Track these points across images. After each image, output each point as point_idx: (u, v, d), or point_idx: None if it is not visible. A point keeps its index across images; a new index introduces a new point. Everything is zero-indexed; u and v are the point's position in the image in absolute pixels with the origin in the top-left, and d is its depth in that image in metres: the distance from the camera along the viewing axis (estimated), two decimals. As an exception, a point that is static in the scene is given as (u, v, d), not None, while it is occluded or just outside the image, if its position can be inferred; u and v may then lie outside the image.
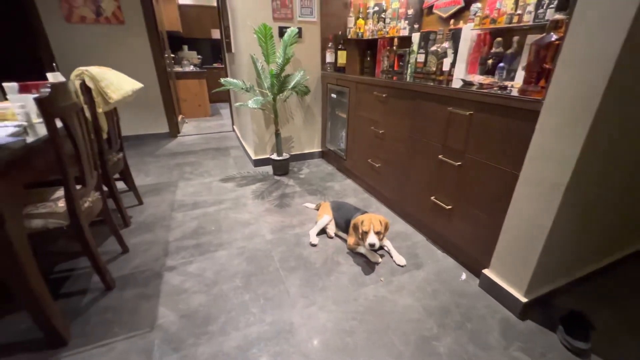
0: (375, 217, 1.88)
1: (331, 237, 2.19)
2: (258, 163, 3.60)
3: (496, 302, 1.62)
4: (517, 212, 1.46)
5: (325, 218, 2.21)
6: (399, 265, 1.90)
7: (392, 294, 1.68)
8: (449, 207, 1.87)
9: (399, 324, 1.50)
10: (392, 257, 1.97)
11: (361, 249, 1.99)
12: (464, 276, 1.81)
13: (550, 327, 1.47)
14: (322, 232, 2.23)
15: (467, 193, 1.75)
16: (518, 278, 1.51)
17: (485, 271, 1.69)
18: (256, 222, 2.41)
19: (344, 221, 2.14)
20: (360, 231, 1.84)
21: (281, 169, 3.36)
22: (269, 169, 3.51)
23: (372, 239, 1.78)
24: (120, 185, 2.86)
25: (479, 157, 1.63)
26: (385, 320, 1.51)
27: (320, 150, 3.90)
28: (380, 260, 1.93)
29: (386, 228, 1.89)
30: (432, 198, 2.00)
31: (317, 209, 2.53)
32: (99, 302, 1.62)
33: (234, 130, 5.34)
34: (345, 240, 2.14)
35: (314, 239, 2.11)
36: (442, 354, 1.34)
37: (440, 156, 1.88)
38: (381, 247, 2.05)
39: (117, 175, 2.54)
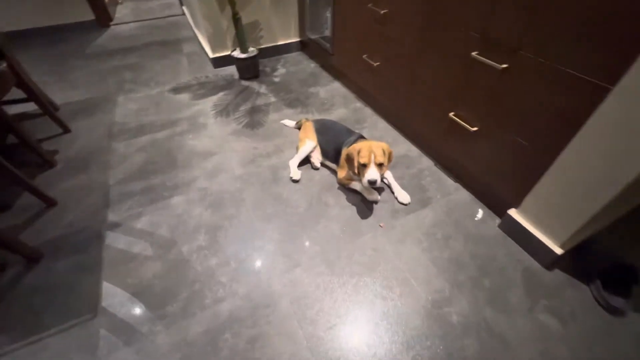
0: (375, 144, 1.38)
1: (316, 168, 1.73)
2: (218, 63, 2.77)
3: (519, 249, 1.33)
4: (589, 148, 0.99)
5: (308, 144, 1.70)
6: (402, 203, 1.54)
7: (395, 244, 1.37)
8: (475, 128, 1.37)
9: (404, 287, 1.22)
10: (393, 192, 1.58)
11: (355, 185, 1.58)
12: (480, 214, 1.48)
13: (582, 278, 1.23)
14: (305, 161, 1.76)
15: (506, 112, 1.22)
16: (559, 228, 1.17)
17: (512, 212, 1.34)
18: (220, 150, 1.89)
19: (333, 148, 1.64)
20: (357, 163, 1.38)
21: (249, 70, 2.59)
22: (233, 70, 2.72)
23: (372, 173, 1.33)
24: (30, 107, 2.15)
25: (544, 57, 1.03)
26: (388, 284, 1.23)
27: (298, 40, 3.00)
28: (379, 198, 1.55)
29: (389, 158, 1.43)
30: (451, 114, 1.47)
31: (298, 128, 1.98)
32: (23, 281, 1.26)
33: (184, 13, 4.09)
34: (334, 172, 1.70)
35: (295, 173, 1.66)
36: (455, 323, 1.11)
37: (474, 53, 1.25)
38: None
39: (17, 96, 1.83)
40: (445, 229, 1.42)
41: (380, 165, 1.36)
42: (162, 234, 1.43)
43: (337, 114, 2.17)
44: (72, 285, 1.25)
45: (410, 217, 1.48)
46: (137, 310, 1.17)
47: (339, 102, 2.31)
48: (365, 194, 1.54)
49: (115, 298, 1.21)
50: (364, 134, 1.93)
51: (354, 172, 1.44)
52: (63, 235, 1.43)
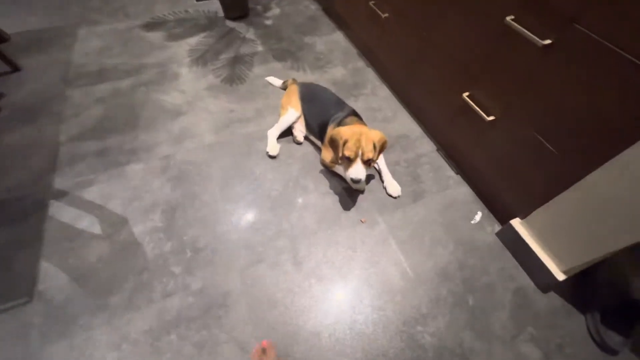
0: (365, 134, 1.13)
1: (299, 143, 1.49)
2: (201, -6, 2.31)
3: (514, 264, 1.17)
4: (638, 173, 0.75)
5: (291, 114, 1.44)
6: (390, 195, 1.33)
7: (375, 245, 1.20)
8: (491, 117, 1.10)
9: (377, 298, 1.08)
10: (382, 181, 1.36)
11: (339, 169, 1.35)
12: (478, 217, 1.29)
13: (580, 306, 1.08)
14: (288, 132, 1.51)
15: (537, 104, 0.94)
16: (568, 254, 0.99)
17: (515, 222, 1.14)
18: (191, 110, 1.62)
19: (318, 123, 1.38)
20: (340, 153, 1.14)
21: (236, 7, 2.16)
22: (218, 6, 2.28)
23: (357, 171, 1.12)
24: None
25: (609, 39, 0.73)
26: (359, 293, 1.09)
27: (299, -29, 2.48)
28: (365, 187, 1.34)
29: (382, 148, 1.19)
30: (465, 95, 1.18)
31: (285, 89, 1.69)
32: (-48, 253, 1.13)
33: None
34: (319, 149, 1.46)
35: (273, 148, 1.42)
36: (427, 346, 1.00)
37: (509, 18, 0.92)
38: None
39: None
40: (435, 232, 1.24)
41: (368, 162, 1.13)
42: (113, 209, 1.26)
43: (332, 75, 1.84)
44: (7, 262, 1.12)
45: (398, 213, 1.29)
46: (77, 298, 1.05)
47: (337, 58, 1.95)
48: (350, 182, 1.32)
49: (54, 281, 1.08)
50: (361, 103, 1.66)
51: (337, 160, 1.20)
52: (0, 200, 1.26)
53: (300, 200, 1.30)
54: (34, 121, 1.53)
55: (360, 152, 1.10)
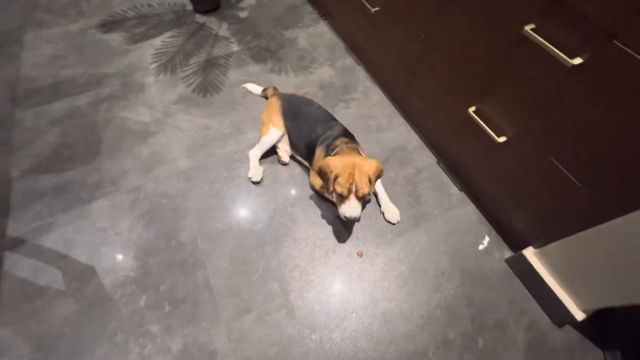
0: (359, 164, 0.98)
1: (284, 164, 1.33)
2: (164, -17, 2.03)
3: (525, 294, 1.07)
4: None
5: (273, 134, 1.26)
6: (389, 222, 1.20)
7: (373, 282, 1.09)
8: (502, 139, 0.95)
9: (376, 343, 0.99)
10: (380, 205, 1.23)
11: (330, 196, 1.20)
12: (486, 242, 1.17)
13: (599, 341, 1.00)
14: (272, 150, 1.34)
15: (562, 130, 0.80)
16: (590, 296, 0.89)
17: (528, 252, 1.03)
18: (161, 129, 1.44)
19: (304, 145, 1.22)
20: (331, 188, 0.99)
21: (205, -1, 1.90)
22: (185, -4, 2.00)
23: (351, 209, 0.98)
24: None
25: (661, 65, 0.58)
26: (357, 344, 0.98)
27: (275, -50, 2.18)
28: (359, 215, 1.20)
29: (377, 178, 1.04)
30: (472, 110, 1.03)
31: (265, 97, 1.50)
32: None
33: None
34: (307, 169, 1.31)
35: (255, 173, 1.26)
36: (435, 399, 0.91)
37: (528, 28, 0.75)
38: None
39: None
40: (439, 262, 1.12)
41: (363, 197, 0.99)
42: (77, 258, 1.11)
43: (319, 76, 1.64)
44: (-40, 332, 0.98)
45: (398, 241, 1.16)
46: (43, 371, 0.93)
47: (323, 55, 1.74)
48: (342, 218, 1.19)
49: (14, 351, 0.95)
50: (353, 109, 1.49)
51: (329, 191, 1.05)
52: (-54, 257, 1.10)
53: (288, 233, 1.17)
54: (-21, 154, 1.34)
55: (354, 189, 0.95)
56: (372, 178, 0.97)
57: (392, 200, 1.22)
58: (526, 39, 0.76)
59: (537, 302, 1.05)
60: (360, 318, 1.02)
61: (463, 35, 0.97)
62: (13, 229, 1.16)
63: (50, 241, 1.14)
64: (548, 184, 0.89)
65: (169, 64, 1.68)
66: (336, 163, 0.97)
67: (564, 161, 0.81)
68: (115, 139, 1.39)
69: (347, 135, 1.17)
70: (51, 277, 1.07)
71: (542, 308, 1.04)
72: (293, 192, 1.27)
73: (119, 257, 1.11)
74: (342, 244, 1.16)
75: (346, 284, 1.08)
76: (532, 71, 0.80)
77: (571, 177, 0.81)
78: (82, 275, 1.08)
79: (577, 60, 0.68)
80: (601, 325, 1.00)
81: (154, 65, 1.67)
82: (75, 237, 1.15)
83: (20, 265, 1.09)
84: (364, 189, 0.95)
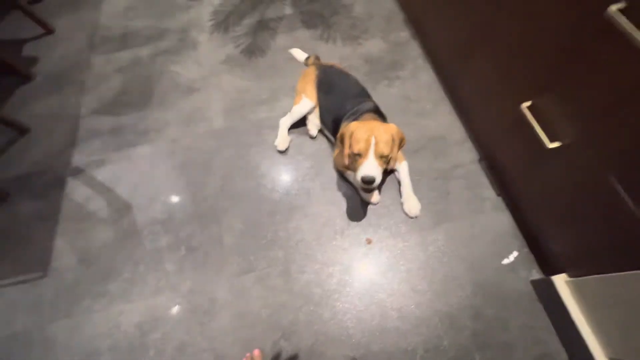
0: (378, 126, 0.93)
1: (312, 137, 1.31)
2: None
3: (546, 324, 0.94)
4: None
5: (305, 104, 1.24)
6: (407, 214, 1.13)
7: (376, 273, 1.05)
8: (555, 144, 0.80)
9: (365, 336, 0.97)
10: (401, 195, 1.16)
11: (350, 175, 1.16)
12: (513, 257, 1.04)
13: (624, 395, 0.86)
14: (302, 121, 1.33)
15: (630, 137, 0.64)
16: (625, 343, 0.75)
17: (559, 280, 0.89)
18: (205, 86, 1.51)
19: (332, 119, 1.17)
20: (347, 150, 0.95)
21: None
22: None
23: (368, 168, 0.90)
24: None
25: None
26: (346, 329, 0.98)
27: None
28: (377, 200, 1.15)
29: (400, 145, 0.97)
30: (525, 106, 0.87)
31: (307, 64, 1.46)
32: (-12, 219, 1.26)
33: None
34: (332, 145, 1.28)
35: (282, 142, 1.27)
36: (413, 400, 0.89)
37: (615, 7, 0.59)
38: (389, 172, 1.20)
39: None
40: (453, 267, 1.04)
41: (382, 158, 0.92)
42: (120, 194, 1.27)
43: (367, 49, 1.53)
44: (29, 233, 1.22)
45: (412, 236, 1.10)
46: (83, 280, 1.11)
47: (377, 26, 1.61)
48: (361, 193, 1.15)
49: (64, 259, 1.16)
50: (396, 89, 1.39)
51: (347, 164, 1.01)
52: (28, 174, 1.34)
53: (302, 206, 1.18)
54: (60, 90, 1.56)
55: (372, 143, 0.89)
56: (393, 137, 0.91)
57: (417, 193, 1.14)
58: (608, 22, 0.60)
59: (557, 335, 0.92)
60: (354, 303, 1.01)
61: (531, 13, 0.80)
62: (76, 159, 1.36)
63: (102, 174, 1.32)
64: (601, 207, 0.73)
65: (223, 23, 1.71)
66: (355, 124, 0.94)
67: (625, 181, 0.66)
68: (165, 91, 1.50)
69: (377, 112, 1.09)
70: (98, 206, 1.25)
71: (561, 343, 0.91)
72: (315, 167, 1.26)
73: (152, 198, 1.24)
74: (352, 227, 1.13)
75: (348, 268, 1.07)
76: (611, 64, 0.64)
77: (630, 202, 0.66)
78: (121, 209, 1.23)
79: (672, 56, 0.52)
80: None
81: (209, 23, 1.72)
82: (121, 175, 1.31)
83: (78, 191, 1.29)
84: (384, 148, 0.89)
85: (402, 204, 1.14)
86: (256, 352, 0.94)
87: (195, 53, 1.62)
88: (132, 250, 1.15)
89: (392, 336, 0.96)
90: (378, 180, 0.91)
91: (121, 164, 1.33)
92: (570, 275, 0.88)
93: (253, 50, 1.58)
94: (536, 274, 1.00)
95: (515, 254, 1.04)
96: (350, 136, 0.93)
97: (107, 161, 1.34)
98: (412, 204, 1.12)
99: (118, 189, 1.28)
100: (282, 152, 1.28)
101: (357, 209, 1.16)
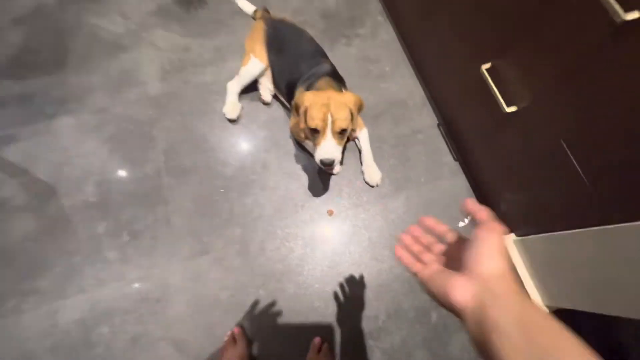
0: (336, 95, 0.85)
1: (266, 104, 1.19)
2: None
3: (496, 279, 1.01)
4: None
5: (254, 65, 1.10)
6: (368, 184, 1.11)
7: (339, 244, 1.04)
8: (511, 109, 0.79)
9: (330, 307, 0.98)
10: (361, 164, 1.12)
11: (308, 144, 1.09)
12: (467, 220, 1.08)
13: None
14: (253, 85, 1.19)
15: (584, 102, 0.64)
16: (560, 295, 0.82)
17: (508, 239, 0.94)
18: (135, 44, 1.27)
19: (286, 83, 1.06)
20: (303, 124, 0.87)
21: None
22: None
23: (326, 149, 0.84)
24: None
25: None
26: (310, 301, 0.97)
27: None
28: (338, 170, 1.11)
29: (359, 110, 0.91)
30: (484, 68, 0.84)
31: (255, 18, 1.28)
32: None
33: None
34: (288, 111, 1.18)
35: (232, 110, 1.14)
36: (375, 361, 0.93)
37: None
38: (348, 140, 1.14)
39: None
40: (411, 233, 1.05)
41: (342, 133, 0.86)
42: (38, 176, 1.07)
43: (324, 2, 1.38)
44: None
45: (374, 205, 1.08)
46: (6, 278, 0.96)
47: (334, -26, 1.44)
48: (319, 164, 1.08)
49: (-23, 258, 0.98)
50: (354, 49, 1.29)
51: (305, 135, 0.93)
52: None
53: (258, 180, 1.09)
54: (-61, 47, 1.22)
55: (329, 120, 0.82)
56: (353, 109, 0.84)
57: (377, 161, 1.11)
58: (575, -26, 0.55)
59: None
60: (316, 277, 1.00)
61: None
62: (-27, 136, 1.11)
63: (12, 153, 1.10)
64: (549, 170, 0.76)
65: (150, -37, 1.41)
66: (310, 95, 0.84)
67: (576, 148, 0.67)
68: (83, 50, 1.25)
69: (334, 76, 1.00)
70: (12, 191, 1.05)
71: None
72: (270, 136, 1.16)
73: (81, 179, 1.07)
74: (313, 200, 1.09)
75: (309, 241, 1.03)
76: (569, 23, 0.61)
77: (577, 166, 0.67)
78: (42, 193, 1.05)
79: (633, 15, 0.49)
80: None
81: (133, -37, 1.41)
82: (37, 153, 1.10)
83: (-18, 174, 1.07)
84: (342, 122, 0.82)
85: (362, 172, 1.11)
86: (236, 330, 0.90)
87: (117, 1, 1.34)
88: (63, 240, 1.00)
89: (355, 305, 0.97)
90: (338, 159, 0.86)
91: (36, 139, 1.11)
92: (518, 235, 0.93)
93: (191, 0, 1.35)
94: (487, 234, 1.06)
95: (467, 219, 1.08)
96: (305, 112, 0.84)
97: (17, 137, 1.11)
98: (372, 172, 1.09)
99: (35, 170, 1.08)
100: (232, 121, 1.16)
101: (317, 180, 1.11)
